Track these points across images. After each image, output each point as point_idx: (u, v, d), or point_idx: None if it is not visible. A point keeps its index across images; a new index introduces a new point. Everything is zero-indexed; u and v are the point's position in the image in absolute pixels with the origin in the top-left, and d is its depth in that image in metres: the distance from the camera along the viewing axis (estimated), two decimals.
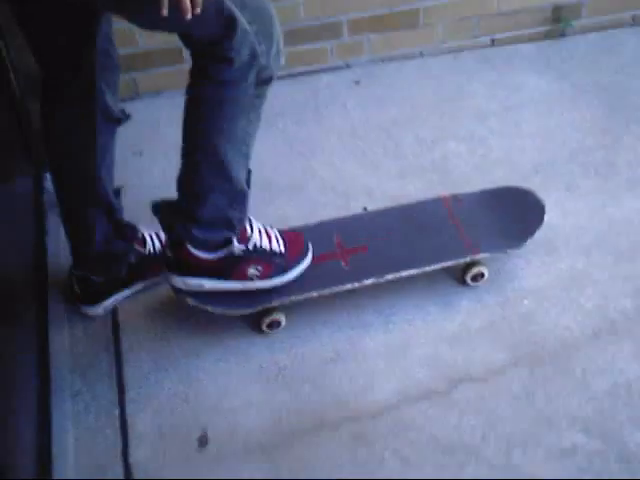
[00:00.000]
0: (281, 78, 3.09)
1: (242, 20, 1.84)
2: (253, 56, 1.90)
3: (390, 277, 2.29)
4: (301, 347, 2.25)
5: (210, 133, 1.99)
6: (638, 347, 2.26)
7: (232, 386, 2.17)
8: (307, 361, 2.22)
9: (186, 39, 1.91)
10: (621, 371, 2.20)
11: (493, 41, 3.36)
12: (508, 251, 2.41)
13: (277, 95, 2.12)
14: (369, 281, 2.27)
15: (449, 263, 2.34)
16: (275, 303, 2.24)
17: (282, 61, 2.00)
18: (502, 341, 2.27)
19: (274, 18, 1.94)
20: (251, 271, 2.20)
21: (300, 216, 2.51)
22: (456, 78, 3.19)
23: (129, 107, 2.20)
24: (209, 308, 2.22)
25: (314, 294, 2.25)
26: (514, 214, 2.50)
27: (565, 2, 3.35)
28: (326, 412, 2.11)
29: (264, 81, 1.98)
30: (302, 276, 2.28)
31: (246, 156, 2.08)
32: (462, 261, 2.36)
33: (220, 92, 1.93)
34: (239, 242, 2.16)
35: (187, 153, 2.04)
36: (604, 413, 2.11)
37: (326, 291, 2.26)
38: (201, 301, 2.21)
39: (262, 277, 2.22)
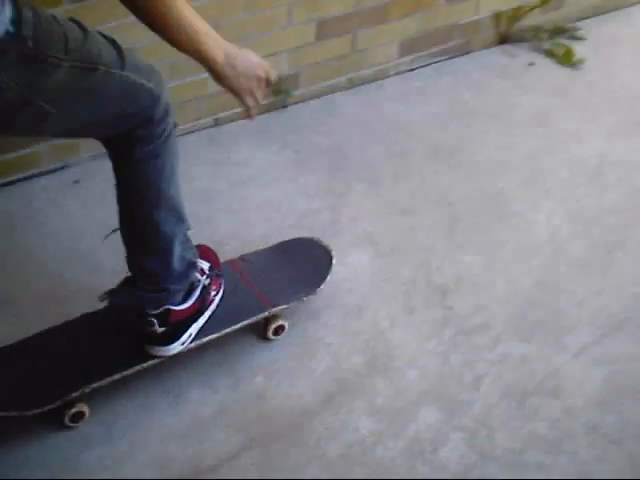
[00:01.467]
0: None
1: (147, 84, 1.92)
2: (166, 106, 1.99)
3: None
4: None
5: (160, 185, 2.04)
6: (369, 402, 2.26)
7: None
8: None
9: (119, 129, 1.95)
10: (355, 430, 2.18)
11: (217, 120, 3.37)
12: (304, 299, 2.41)
13: None
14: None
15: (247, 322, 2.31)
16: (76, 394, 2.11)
17: None
18: (235, 425, 2.21)
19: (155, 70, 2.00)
20: (212, 294, 2.20)
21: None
22: (180, 163, 3.15)
23: None
24: None
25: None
26: (304, 264, 2.54)
27: (282, 73, 3.42)
28: None
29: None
30: None
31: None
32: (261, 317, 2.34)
33: (150, 149, 1.99)
34: (201, 275, 2.19)
35: (142, 216, 2.06)
36: (340, 477, 2.07)
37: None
38: None
39: (218, 292, 2.25)
